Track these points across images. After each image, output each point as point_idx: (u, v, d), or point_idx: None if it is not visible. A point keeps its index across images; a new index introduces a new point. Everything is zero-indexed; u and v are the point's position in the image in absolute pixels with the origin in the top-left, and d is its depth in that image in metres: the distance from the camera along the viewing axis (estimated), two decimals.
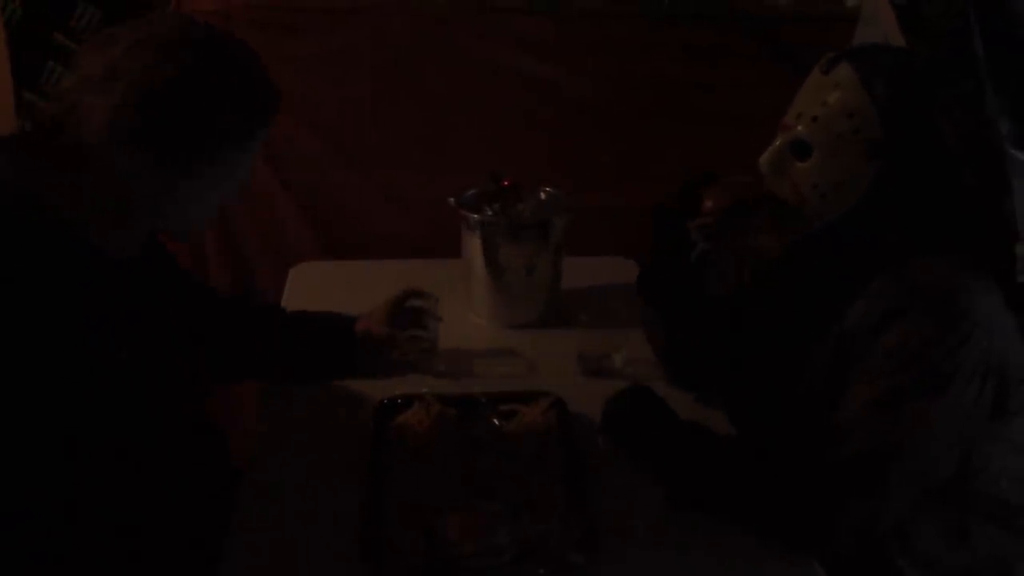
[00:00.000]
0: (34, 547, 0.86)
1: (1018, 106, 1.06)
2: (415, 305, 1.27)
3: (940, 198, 0.98)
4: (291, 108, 1.82)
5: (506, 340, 1.37)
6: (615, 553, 0.93)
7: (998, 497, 1.01)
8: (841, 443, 0.93)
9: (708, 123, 1.75)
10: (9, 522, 0.84)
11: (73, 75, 0.86)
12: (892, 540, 1.01)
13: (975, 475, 0.99)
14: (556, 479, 1.03)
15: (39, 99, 1.71)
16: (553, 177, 1.47)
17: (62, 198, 0.87)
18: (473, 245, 1.39)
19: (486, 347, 1.35)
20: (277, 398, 1.22)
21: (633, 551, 0.95)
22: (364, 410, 1.15)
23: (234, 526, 0.97)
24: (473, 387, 1.19)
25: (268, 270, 1.81)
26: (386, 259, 1.65)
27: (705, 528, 0.97)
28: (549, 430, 1.10)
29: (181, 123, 0.86)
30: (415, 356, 1.23)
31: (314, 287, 1.51)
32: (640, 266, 1.27)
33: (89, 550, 0.90)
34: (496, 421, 1.13)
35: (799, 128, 0.98)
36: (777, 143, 1.00)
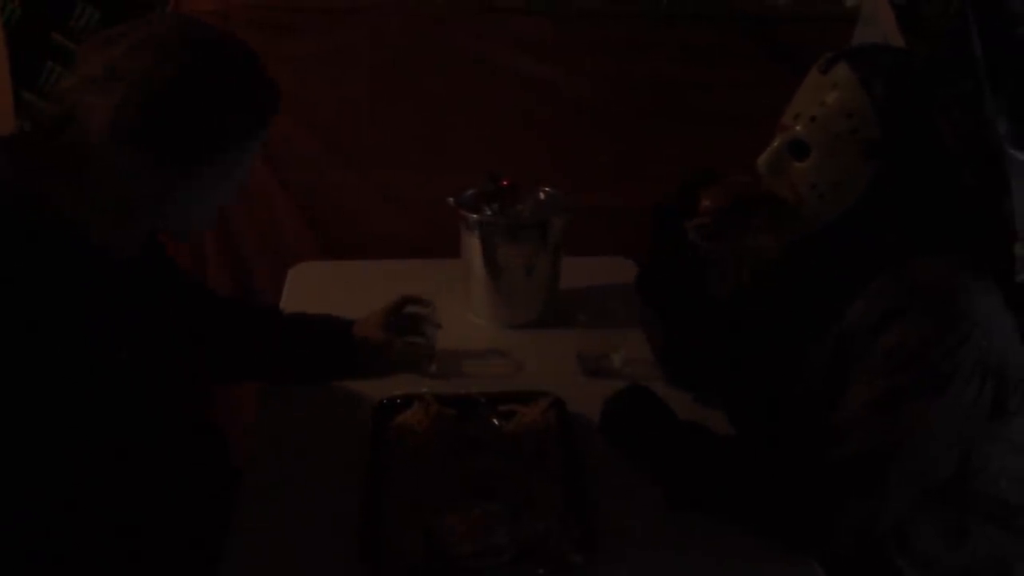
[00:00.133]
0: (34, 547, 0.86)
1: (1016, 106, 1.06)
2: (413, 311, 1.28)
3: (939, 198, 0.98)
4: (289, 108, 1.82)
5: (505, 340, 1.37)
6: (614, 553, 0.93)
7: (997, 497, 1.01)
8: (840, 443, 0.93)
9: (706, 123, 1.76)
10: (9, 522, 0.84)
11: (73, 75, 0.86)
12: (891, 540, 1.01)
13: (974, 475, 0.99)
14: (555, 479, 1.03)
15: (38, 99, 1.70)
16: (552, 177, 1.47)
17: (62, 198, 0.87)
18: (472, 245, 1.39)
19: (485, 347, 1.35)
20: (277, 398, 1.22)
21: (632, 551, 0.95)
22: (363, 410, 1.15)
23: (234, 526, 0.97)
24: (472, 387, 1.19)
25: (267, 270, 1.81)
26: (385, 259, 1.65)
27: (704, 528, 0.97)
28: (548, 430, 1.10)
29: (182, 123, 0.86)
30: (413, 362, 1.24)
31: (313, 287, 1.51)
32: (639, 266, 1.27)
33: (89, 550, 0.90)
34: (495, 421, 1.13)
35: (797, 128, 0.98)
36: (775, 144, 1.00)
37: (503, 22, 1.73)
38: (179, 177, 0.89)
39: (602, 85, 1.76)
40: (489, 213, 1.37)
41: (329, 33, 1.73)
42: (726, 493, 0.98)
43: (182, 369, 1.05)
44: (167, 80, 0.84)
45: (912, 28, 0.95)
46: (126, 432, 0.92)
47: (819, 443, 0.95)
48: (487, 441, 1.09)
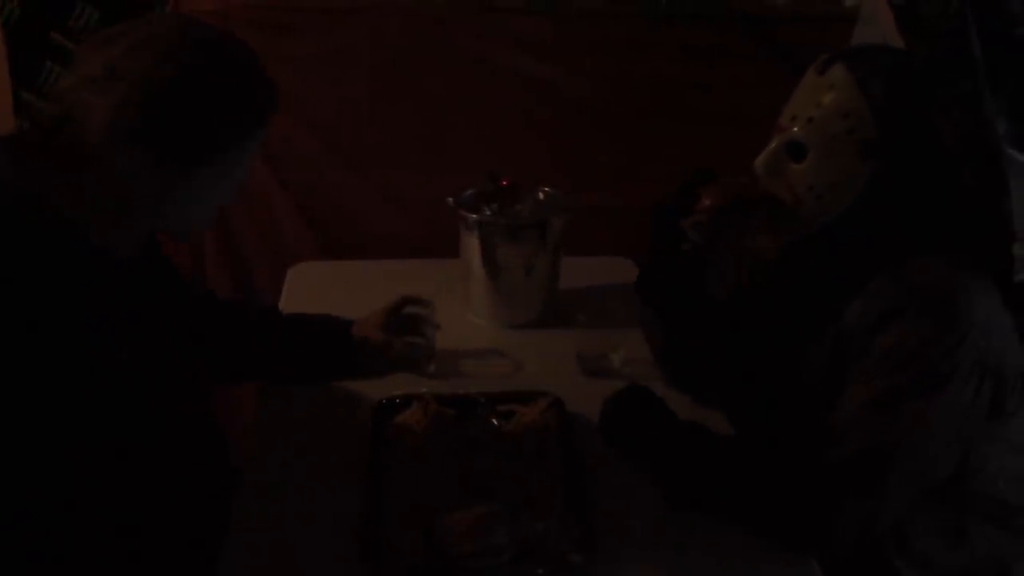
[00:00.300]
0: (33, 546, 0.86)
1: (1015, 106, 1.06)
2: (412, 312, 1.28)
3: (937, 198, 0.98)
4: (289, 108, 1.82)
5: (504, 340, 1.37)
6: (613, 553, 0.93)
7: (995, 497, 1.01)
8: (839, 443, 0.93)
9: (706, 123, 1.76)
10: (8, 521, 0.84)
11: (72, 75, 0.86)
12: (890, 540, 1.01)
13: (972, 475, 0.99)
14: (555, 479, 1.03)
15: (37, 99, 1.70)
16: (551, 177, 1.47)
17: (62, 198, 0.87)
18: (471, 245, 1.39)
19: (484, 347, 1.35)
20: (277, 398, 1.22)
21: (631, 551, 0.95)
22: (363, 410, 1.15)
23: (233, 526, 0.97)
24: (471, 387, 1.19)
25: (266, 270, 1.81)
26: (384, 259, 1.65)
27: (703, 528, 0.97)
28: (547, 430, 1.10)
29: (181, 123, 0.86)
30: (412, 363, 1.24)
31: (312, 287, 1.51)
32: (639, 266, 1.27)
33: (88, 550, 0.90)
34: (495, 421, 1.13)
35: (794, 130, 0.98)
36: (773, 145, 1.00)
37: (503, 22, 1.73)
38: (178, 177, 0.89)
39: (602, 85, 1.76)
40: (489, 213, 1.37)
41: (329, 33, 1.73)
42: (725, 493, 0.98)
43: (182, 369, 1.05)
44: (167, 80, 0.84)
45: (911, 28, 0.95)
46: (126, 432, 0.92)
47: (818, 443, 0.95)
48: (486, 441, 1.09)
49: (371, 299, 1.32)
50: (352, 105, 1.76)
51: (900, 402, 0.91)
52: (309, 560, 0.93)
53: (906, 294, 0.95)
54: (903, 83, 0.95)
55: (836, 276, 1.02)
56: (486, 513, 0.94)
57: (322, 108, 1.77)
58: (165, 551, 0.97)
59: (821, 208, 0.99)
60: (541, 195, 1.43)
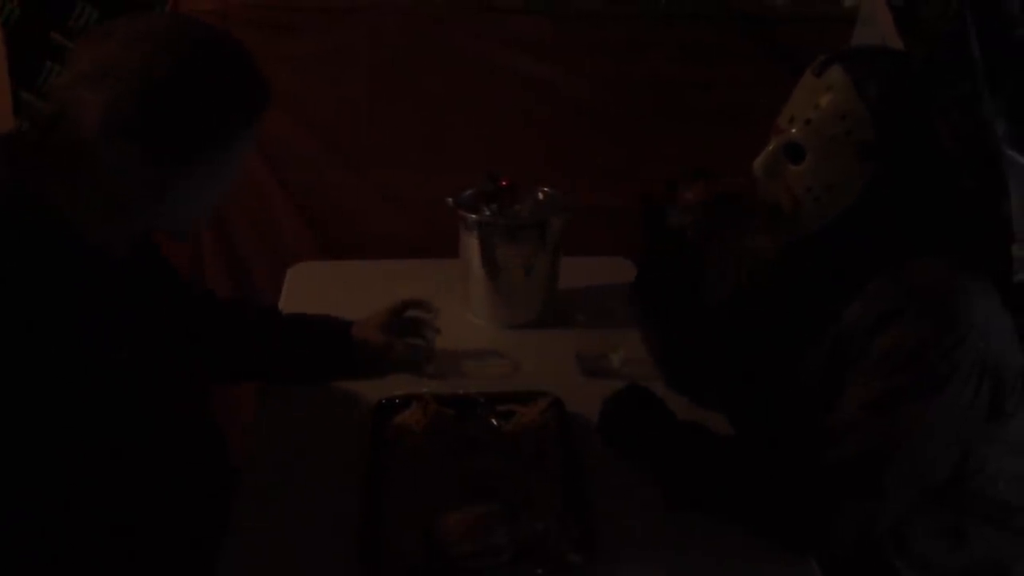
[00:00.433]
0: (31, 547, 0.86)
1: (1015, 107, 1.07)
2: (414, 315, 1.28)
3: (936, 200, 0.98)
4: (288, 108, 1.84)
5: (504, 340, 1.37)
6: (613, 553, 0.93)
7: (995, 498, 1.01)
8: (838, 444, 0.93)
9: (705, 123, 1.76)
10: (6, 522, 0.84)
11: (67, 72, 0.86)
12: (889, 541, 1.01)
13: (971, 476, 0.99)
14: (554, 479, 1.03)
15: (37, 99, 1.70)
16: (550, 177, 1.47)
17: (58, 196, 0.87)
18: (471, 245, 1.39)
19: (484, 347, 1.35)
20: (276, 398, 1.22)
21: (631, 551, 0.95)
22: (362, 410, 1.15)
23: (232, 526, 0.97)
24: (471, 387, 1.19)
25: (265, 270, 1.81)
26: (383, 259, 1.65)
27: (703, 528, 0.97)
28: (547, 430, 1.10)
29: (175, 119, 0.86)
30: (412, 364, 1.24)
31: (312, 287, 1.51)
32: (638, 267, 1.27)
33: (86, 550, 0.90)
34: (494, 421, 1.13)
35: (792, 131, 0.98)
36: (770, 147, 1.00)
37: (502, 22, 1.73)
38: (172, 174, 0.89)
39: (601, 85, 1.76)
40: (488, 213, 1.37)
41: (328, 32, 1.73)
42: (725, 493, 0.98)
43: (180, 369, 1.05)
44: (161, 76, 0.84)
45: (910, 29, 0.95)
46: (123, 431, 0.92)
47: (817, 444, 0.95)
48: (486, 441, 1.09)
49: (370, 299, 1.32)
50: (351, 105, 1.76)
51: (899, 403, 0.92)
52: (308, 560, 0.93)
53: (905, 295, 0.95)
54: (901, 85, 0.95)
55: (835, 277, 1.02)
56: (486, 513, 0.94)
57: (321, 108, 1.77)
58: (164, 551, 0.97)
59: (819, 210, 0.99)
60: (540, 195, 1.43)
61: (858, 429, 0.93)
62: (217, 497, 1.03)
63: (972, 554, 1.02)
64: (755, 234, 1.07)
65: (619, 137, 1.79)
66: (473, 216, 1.36)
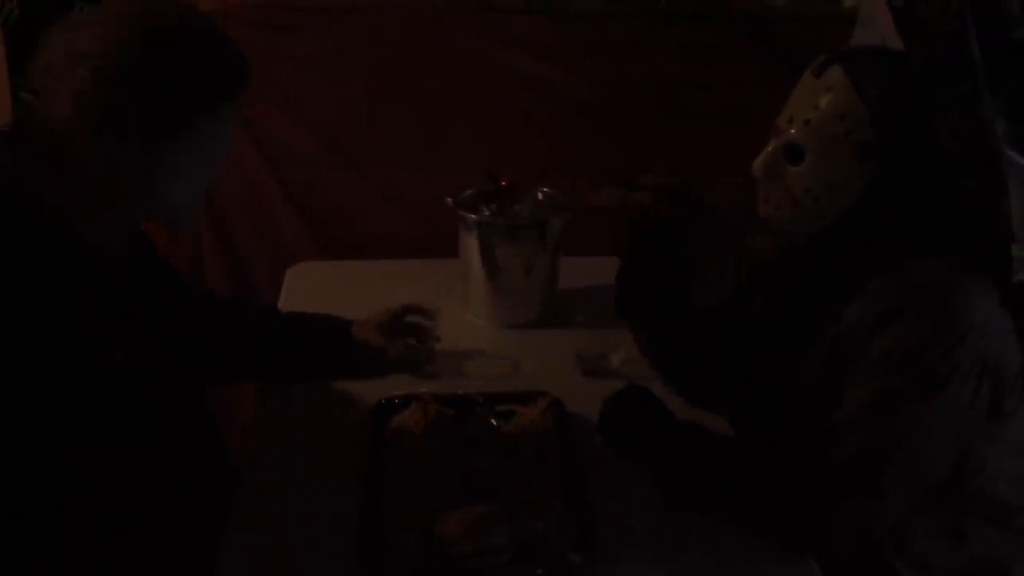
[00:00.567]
0: (29, 547, 0.86)
1: (1014, 108, 1.07)
2: (414, 321, 1.28)
3: (936, 200, 0.98)
4: (288, 108, 1.84)
5: (504, 340, 1.37)
6: (613, 553, 0.94)
7: (995, 499, 1.01)
8: (837, 444, 0.93)
9: (705, 123, 1.76)
10: (4, 522, 0.84)
11: (39, 61, 0.85)
12: (889, 541, 1.01)
13: (971, 476, 0.99)
14: (554, 479, 1.03)
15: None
16: (550, 177, 1.48)
17: (55, 194, 0.86)
18: (471, 245, 1.39)
19: (484, 347, 1.35)
20: (276, 398, 1.22)
21: (631, 551, 0.95)
22: (362, 410, 1.15)
23: (232, 526, 0.97)
24: (470, 387, 1.19)
25: (265, 270, 1.81)
26: (383, 259, 1.65)
27: (703, 528, 0.97)
28: (547, 430, 1.10)
29: (146, 101, 0.85)
30: (410, 365, 1.25)
31: (311, 287, 1.51)
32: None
33: (86, 550, 0.90)
34: (494, 421, 1.13)
35: (792, 132, 0.98)
36: (770, 147, 1.00)
37: (502, 22, 1.73)
38: (150, 154, 0.88)
39: (601, 85, 1.76)
40: (488, 213, 1.37)
41: (328, 32, 1.73)
42: (725, 493, 0.98)
43: (178, 368, 1.05)
44: (128, 59, 0.83)
45: (910, 30, 0.95)
46: (121, 431, 0.92)
47: (817, 444, 0.95)
48: (486, 441, 1.09)
49: (370, 299, 1.33)
50: (351, 105, 1.76)
51: (899, 403, 0.92)
52: (308, 560, 0.93)
53: (905, 295, 0.95)
54: (900, 85, 0.95)
55: (835, 277, 1.02)
56: (485, 513, 0.94)
57: (321, 108, 1.77)
58: (164, 551, 0.97)
59: (819, 210, 0.99)
60: (540, 195, 1.43)
61: (858, 429, 0.93)
62: (217, 497, 1.03)
63: (972, 554, 1.02)
64: (755, 234, 1.07)
65: (619, 137, 1.79)
66: (473, 216, 1.36)
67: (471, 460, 1.05)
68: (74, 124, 0.84)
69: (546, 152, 1.77)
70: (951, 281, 0.94)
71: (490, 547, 0.91)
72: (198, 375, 1.15)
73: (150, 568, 0.95)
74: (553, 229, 1.39)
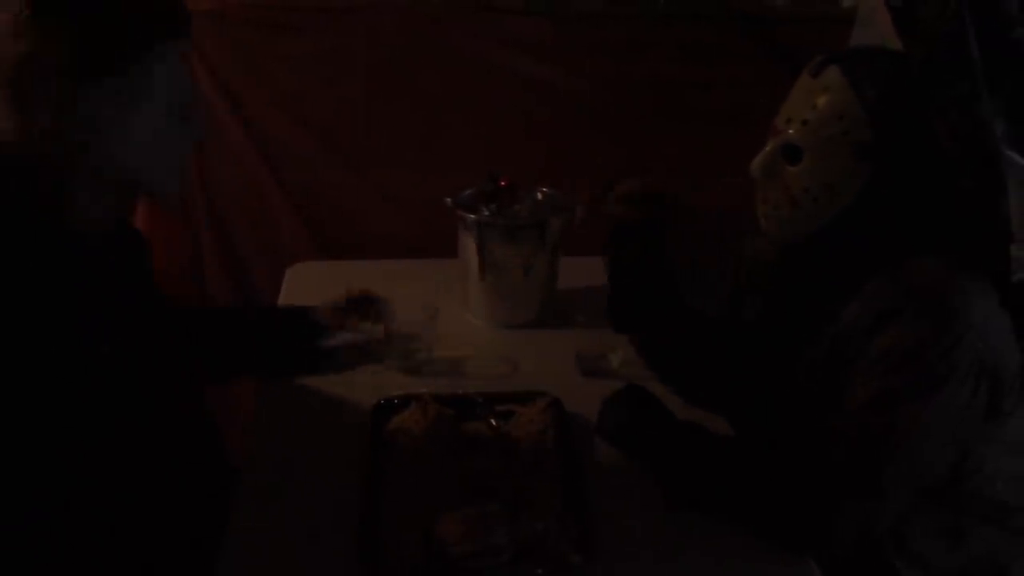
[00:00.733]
0: (27, 547, 0.86)
1: (1013, 107, 1.07)
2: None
3: (935, 200, 0.98)
4: (286, 107, 1.84)
5: (503, 340, 1.37)
6: (612, 553, 0.94)
7: (994, 498, 1.01)
8: (837, 444, 0.93)
9: (705, 123, 1.76)
10: (2, 523, 0.84)
11: None
12: (889, 541, 1.01)
13: (970, 476, 0.99)
14: (554, 479, 1.03)
15: None
16: (550, 177, 1.48)
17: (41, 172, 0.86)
18: (470, 245, 1.39)
19: (483, 347, 1.35)
20: (275, 398, 1.22)
21: (630, 551, 0.95)
22: (361, 411, 1.15)
23: (232, 526, 0.97)
24: (470, 387, 1.20)
25: (265, 270, 1.81)
26: (382, 259, 1.65)
27: (702, 528, 0.97)
28: (546, 430, 1.10)
29: (68, 41, 0.84)
30: (363, 351, 1.24)
31: (311, 287, 1.51)
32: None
33: (85, 550, 0.90)
34: (493, 421, 1.13)
35: (790, 132, 0.98)
36: (768, 148, 1.01)
37: (500, 22, 1.73)
38: (94, 91, 0.86)
39: (601, 85, 1.76)
40: (487, 213, 1.37)
41: (326, 32, 1.72)
42: (724, 493, 0.98)
43: (170, 365, 1.04)
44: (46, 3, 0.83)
45: (908, 29, 0.95)
46: (115, 429, 0.91)
47: (816, 444, 0.95)
48: (485, 441, 1.09)
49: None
50: (349, 104, 1.76)
51: (897, 403, 0.92)
52: (308, 560, 0.93)
53: (903, 295, 0.95)
54: (897, 85, 0.95)
55: (833, 277, 1.02)
56: (485, 513, 0.94)
57: (319, 107, 1.77)
58: (163, 551, 0.96)
59: (817, 210, 0.99)
60: (539, 195, 1.43)
61: (857, 429, 0.93)
62: (216, 497, 1.03)
63: (970, 554, 1.03)
64: (754, 235, 1.07)
65: (619, 137, 1.79)
66: (472, 216, 1.36)
67: (471, 460, 1.06)
68: (20, 69, 0.83)
69: (546, 152, 1.76)
70: (949, 281, 0.95)
71: (490, 547, 0.91)
72: (191, 371, 1.15)
73: (150, 568, 0.95)
74: (552, 229, 1.39)
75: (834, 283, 1.02)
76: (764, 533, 0.95)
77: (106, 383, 0.91)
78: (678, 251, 1.18)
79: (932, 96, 0.93)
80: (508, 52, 1.74)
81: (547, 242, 1.39)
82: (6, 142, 0.86)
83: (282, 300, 1.47)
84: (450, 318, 1.35)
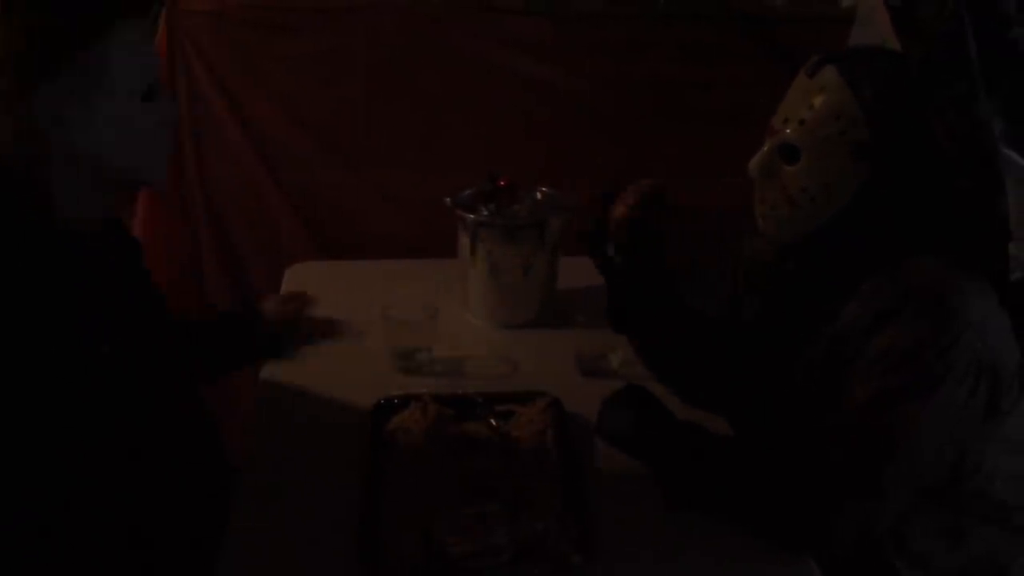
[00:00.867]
0: (27, 548, 0.86)
1: (1011, 107, 1.07)
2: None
3: (933, 199, 0.98)
4: (285, 108, 1.84)
5: (502, 340, 1.37)
6: (613, 553, 0.94)
7: (993, 498, 1.01)
8: (836, 444, 0.93)
9: (705, 123, 1.76)
10: (1, 523, 0.84)
11: None
12: (889, 541, 1.01)
13: (970, 476, 0.99)
14: (553, 479, 1.03)
15: None
16: (550, 177, 1.48)
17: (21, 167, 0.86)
18: (469, 245, 1.39)
19: (483, 347, 1.35)
20: (275, 398, 1.22)
21: (631, 551, 0.95)
22: (361, 410, 1.15)
23: (232, 526, 0.97)
24: (470, 387, 1.20)
25: (264, 270, 1.81)
26: (382, 259, 1.65)
27: (702, 528, 0.98)
28: (546, 430, 1.10)
29: (19, 38, 0.83)
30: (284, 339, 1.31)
31: (310, 287, 1.51)
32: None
33: (85, 549, 0.90)
34: (493, 421, 1.13)
35: (787, 131, 0.98)
36: (765, 148, 1.01)
37: (500, 22, 1.73)
38: (50, 86, 0.85)
39: (601, 85, 1.76)
40: (486, 213, 1.37)
41: (325, 32, 1.73)
42: (724, 493, 0.98)
43: (168, 365, 1.04)
44: None
45: (907, 30, 0.95)
46: (116, 429, 0.91)
47: (815, 444, 0.95)
48: (485, 441, 1.09)
49: (369, 299, 1.33)
50: (348, 105, 1.76)
51: (895, 403, 0.92)
52: (308, 560, 0.94)
53: (902, 295, 0.95)
54: (894, 84, 0.95)
55: (831, 277, 1.02)
56: (485, 513, 0.94)
57: (318, 108, 1.77)
58: (163, 551, 0.97)
59: (815, 210, 0.99)
60: (539, 195, 1.43)
61: (856, 429, 0.93)
62: (216, 497, 1.03)
63: (970, 553, 1.03)
64: (753, 235, 1.07)
65: (619, 137, 1.79)
66: (472, 216, 1.36)
67: (471, 460, 1.06)
68: None
69: (545, 152, 1.76)
70: (948, 280, 0.95)
71: (490, 547, 0.91)
72: (188, 370, 1.15)
73: (150, 568, 0.95)
74: (552, 229, 1.39)
75: (832, 283, 1.02)
76: (764, 533, 0.95)
77: (106, 383, 0.91)
78: (678, 251, 1.17)
79: (930, 95, 0.94)
80: (508, 52, 1.74)
81: (547, 242, 1.39)
82: None
83: None
84: (450, 318, 1.35)
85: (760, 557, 0.95)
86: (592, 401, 1.11)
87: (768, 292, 1.13)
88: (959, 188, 0.96)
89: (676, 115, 1.77)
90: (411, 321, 1.26)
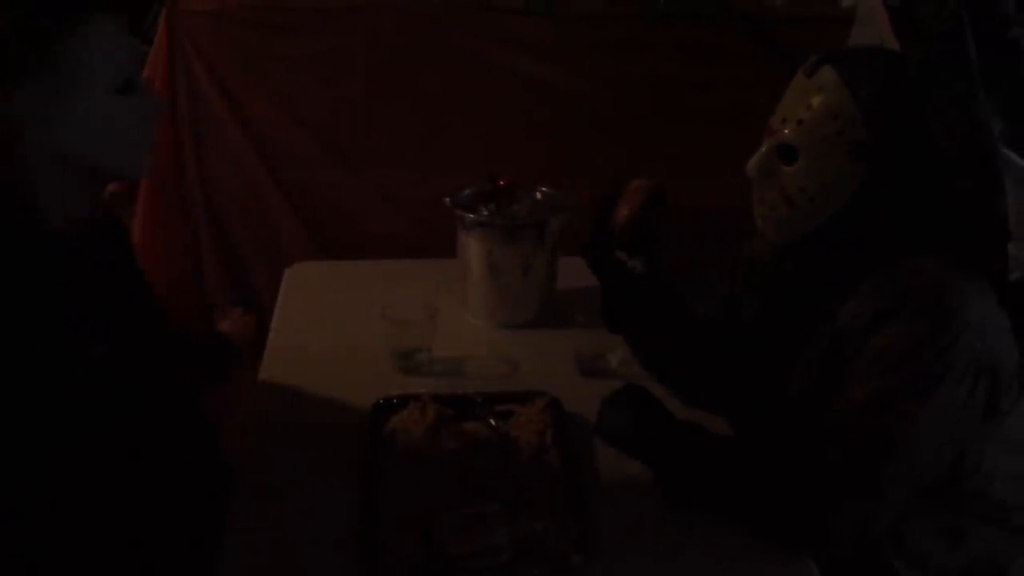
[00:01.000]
0: (26, 548, 0.86)
1: (1010, 107, 1.07)
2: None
3: (931, 199, 0.98)
4: (285, 108, 1.84)
5: (502, 340, 1.37)
6: (612, 553, 0.94)
7: (992, 498, 1.01)
8: (835, 444, 0.93)
9: (705, 123, 1.76)
10: (0, 524, 0.84)
11: None
12: (888, 541, 1.01)
13: (969, 476, 0.99)
14: (553, 479, 1.03)
15: None
16: (550, 177, 1.48)
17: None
18: (469, 245, 1.39)
19: (482, 347, 1.35)
20: (274, 398, 1.22)
21: (630, 551, 0.95)
22: (360, 410, 1.15)
23: (231, 526, 0.97)
24: (469, 387, 1.20)
25: (264, 270, 1.81)
26: (381, 259, 1.66)
27: (702, 528, 0.98)
28: (546, 430, 1.10)
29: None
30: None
31: (310, 287, 1.51)
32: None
33: (83, 550, 0.90)
34: (493, 421, 1.13)
35: (785, 132, 0.98)
36: (764, 148, 1.00)
37: (500, 22, 1.73)
38: (25, 88, 0.84)
39: (601, 85, 1.76)
40: (486, 213, 1.37)
41: (325, 32, 1.73)
42: (724, 493, 0.98)
43: (163, 365, 1.04)
44: None
45: (906, 30, 0.95)
46: (113, 429, 0.91)
47: (815, 444, 0.95)
48: (484, 441, 1.09)
49: (368, 299, 1.33)
50: (348, 105, 1.76)
51: (894, 403, 0.92)
52: (308, 560, 0.94)
53: (900, 295, 0.95)
54: (892, 84, 0.95)
55: (830, 277, 1.02)
56: (485, 513, 0.94)
57: (318, 108, 1.77)
58: (163, 551, 0.97)
59: (814, 210, 0.99)
60: (539, 195, 1.43)
61: (855, 429, 0.93)
62: (215, 497, 1.03)
63: (970, 553, 1.03)
64: (753, 235, 1.07)
65: (619, 137, 1.79)
66: (471, 216, 1.36)
67: (470, 460, 1.05)
68: None
69: (545, 152, 1.76)
70: (947, 280, 0.95)
71: (490, 547, 0.91)
72: (185, 371, 1.15)
73: (150, 568, 0.95)
74: (551, 229, 1.39)
75: (831, 283, 1.02)
76: (763, 533, 0.95)
77: (103, 383, 0.91)
78: (678, 251, 1.17)
79: (929, 95, 0.94)
80: (508, 52, 1.74)
81: (546, 242, 1.39)
82: None
83: (281, 300, 1.48)
84: (450, 318, 1.35)
85: (760, 557, 0.95)
86: (592, 401, 1.11)
87: (767, 292, 1.13)
88: (958, 188, 0.96)
89: (676, 115, 1.77)
90: (411, 321, 1.26)
